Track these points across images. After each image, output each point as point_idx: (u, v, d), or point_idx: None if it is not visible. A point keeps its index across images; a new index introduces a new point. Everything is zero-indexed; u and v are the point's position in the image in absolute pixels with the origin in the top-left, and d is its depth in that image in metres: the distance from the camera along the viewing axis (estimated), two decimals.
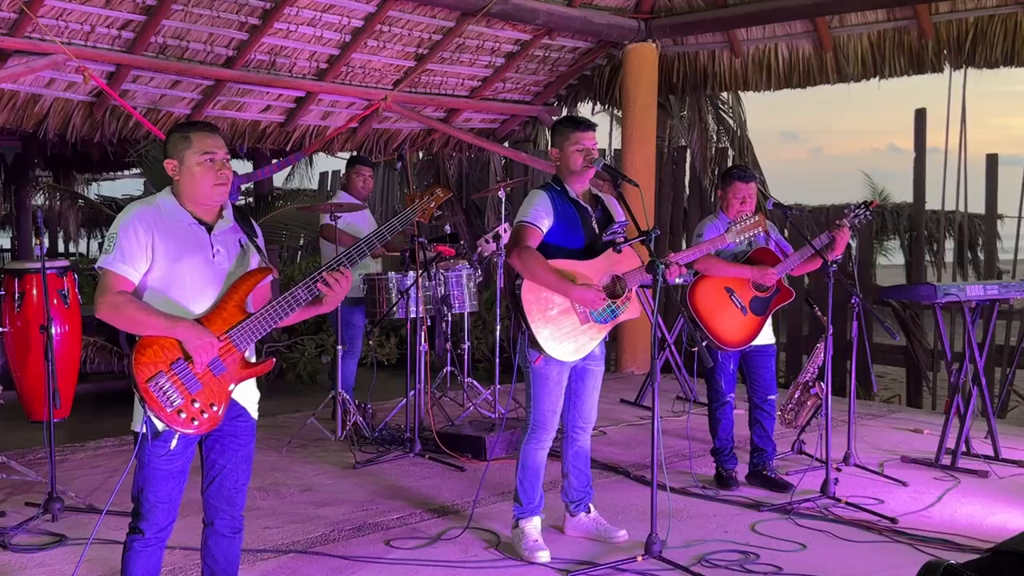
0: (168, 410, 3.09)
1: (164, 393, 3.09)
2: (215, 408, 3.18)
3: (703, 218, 5.83)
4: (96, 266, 3.22)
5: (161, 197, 3.28)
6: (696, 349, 4.33)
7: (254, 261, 3.36)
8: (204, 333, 3.13)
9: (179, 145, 3.25)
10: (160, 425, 3.11)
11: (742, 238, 4.71)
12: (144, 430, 3.13)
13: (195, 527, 3.69)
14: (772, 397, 5.49)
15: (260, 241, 3.42)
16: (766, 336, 5.43)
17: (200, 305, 3.21)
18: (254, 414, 3.40)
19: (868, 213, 5.42)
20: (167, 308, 3.16)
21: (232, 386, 3.23)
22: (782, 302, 5.38)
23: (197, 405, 3.14)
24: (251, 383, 3.36)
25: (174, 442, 3.15)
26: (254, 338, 3.24)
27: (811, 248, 5.22)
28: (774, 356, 5.58)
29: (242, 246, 3.35)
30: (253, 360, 3.32)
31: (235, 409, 3.29)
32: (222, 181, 3.24)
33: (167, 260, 3.18)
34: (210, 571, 3.43)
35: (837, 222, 5.33)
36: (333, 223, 6.32)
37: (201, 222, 3.27)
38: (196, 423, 3.14)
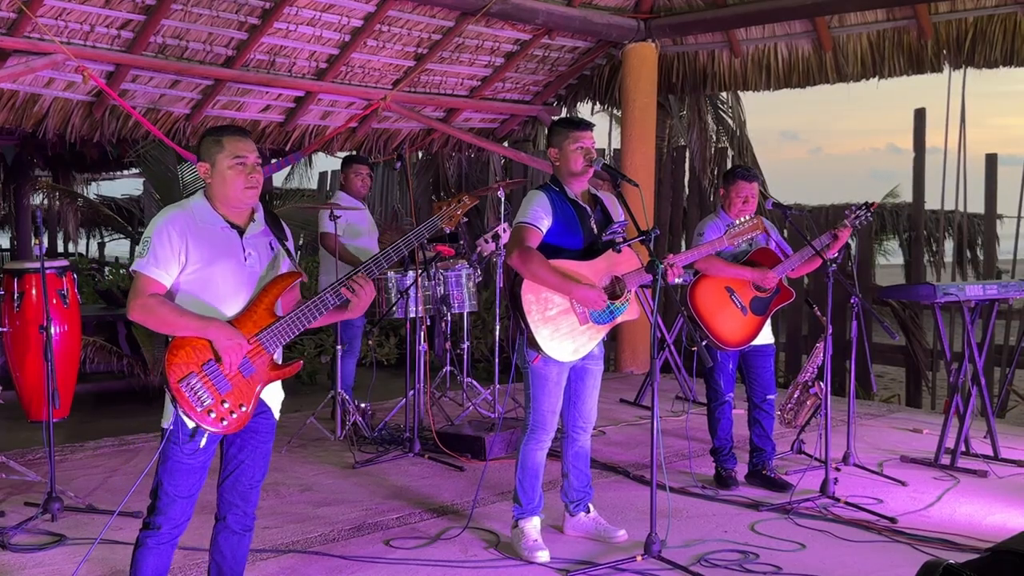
0: (198, 409, 3.15)
1: (195, 393, 3.15)
2: (244, 408, 3.24)
3: (703, 218, 5.83)
4: (130, 269, 3.26)
5: (194, 200, 3.34)
6: (696, 349, 4.33)
7: (284, 265, 3.42)
8: (235, 334, 3.19)
9: (211, 148, 3.30)
10: (191, 424, 3.17)
11: (740, 240, 4.73)
12: (172, 427, 3.19)
13: (196, 527, 3.69)
14: (771, 397, 5.50)
15: (290, 244, 3.48)
16: (765, 336, 5.44)
17: (232, 308, 3.27)
18: (277, 414, 3.46)
19: (869, 214, 5.43)
20: (199, 310, 3.22)
21: (260, 387, 3.28)
22: (782, 302, 5.39)
23: (226, 405, 3.20)
24: (277, 384, 3.41)
25: (203, 441, 3.21)
26: (283, 341, 3.31)
27: (811, 248, 5.23)
28: (773, 356, 5.59)
29: (273, 250, 3.40)
30: (280, 362, 3.38)
31: (259, 407, 3.35)
32: (253, 184, 3.30)
33: (200, 264, 3.23)
34: (217, 567, 3.47)
35: (839, 225, 5.35)
36: (333, 232, 6.31)
37: (233, 225, 3.31)
38: (224, 423, 3.20)
